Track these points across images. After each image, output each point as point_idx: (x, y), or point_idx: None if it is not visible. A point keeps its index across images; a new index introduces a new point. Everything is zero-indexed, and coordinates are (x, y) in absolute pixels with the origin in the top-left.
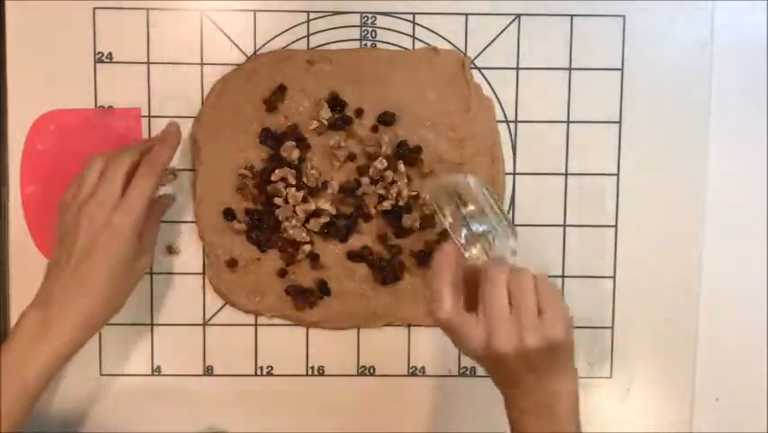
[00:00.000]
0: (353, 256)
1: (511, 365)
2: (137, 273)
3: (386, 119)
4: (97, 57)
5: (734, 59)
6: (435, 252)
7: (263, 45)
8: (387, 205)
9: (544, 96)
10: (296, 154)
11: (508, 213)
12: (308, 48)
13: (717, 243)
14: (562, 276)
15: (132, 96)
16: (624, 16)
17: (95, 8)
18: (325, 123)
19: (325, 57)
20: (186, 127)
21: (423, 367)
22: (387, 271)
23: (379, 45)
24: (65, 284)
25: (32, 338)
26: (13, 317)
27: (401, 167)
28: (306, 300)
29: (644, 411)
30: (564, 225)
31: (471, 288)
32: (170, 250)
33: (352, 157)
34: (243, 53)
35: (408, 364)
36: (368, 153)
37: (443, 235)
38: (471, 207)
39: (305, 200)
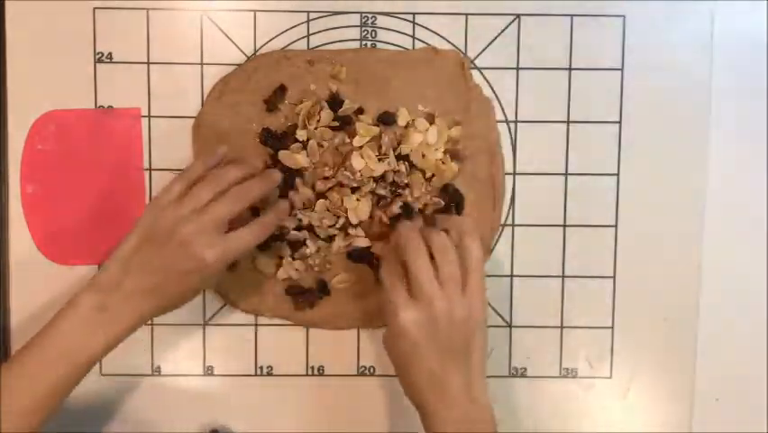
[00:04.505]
0: (353, 256)
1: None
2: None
3: (386, 119)
4: (97, 57)
5: (734, 59)
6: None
7: (263, 45)
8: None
9: (543, 97)
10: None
11: (508, 213)
12: (308, 48)
13: (717, 243)
14: (562, 276)
15: (132, 96)
16: (624, 16)
17: (95, 8)
18: (326, 123)
19: (325, 57)
20: (186, 127)
21: None
22: None
23: (379, 45)
24: (132, 277)
25: (86, 323)
26: (14, 317)
27: (402, 167)
28: (306, 300)
29: (644, 411)
30: (564, 225)
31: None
32: None
33: None
34: (243, 53)
35: None
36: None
37: None
38: None
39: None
